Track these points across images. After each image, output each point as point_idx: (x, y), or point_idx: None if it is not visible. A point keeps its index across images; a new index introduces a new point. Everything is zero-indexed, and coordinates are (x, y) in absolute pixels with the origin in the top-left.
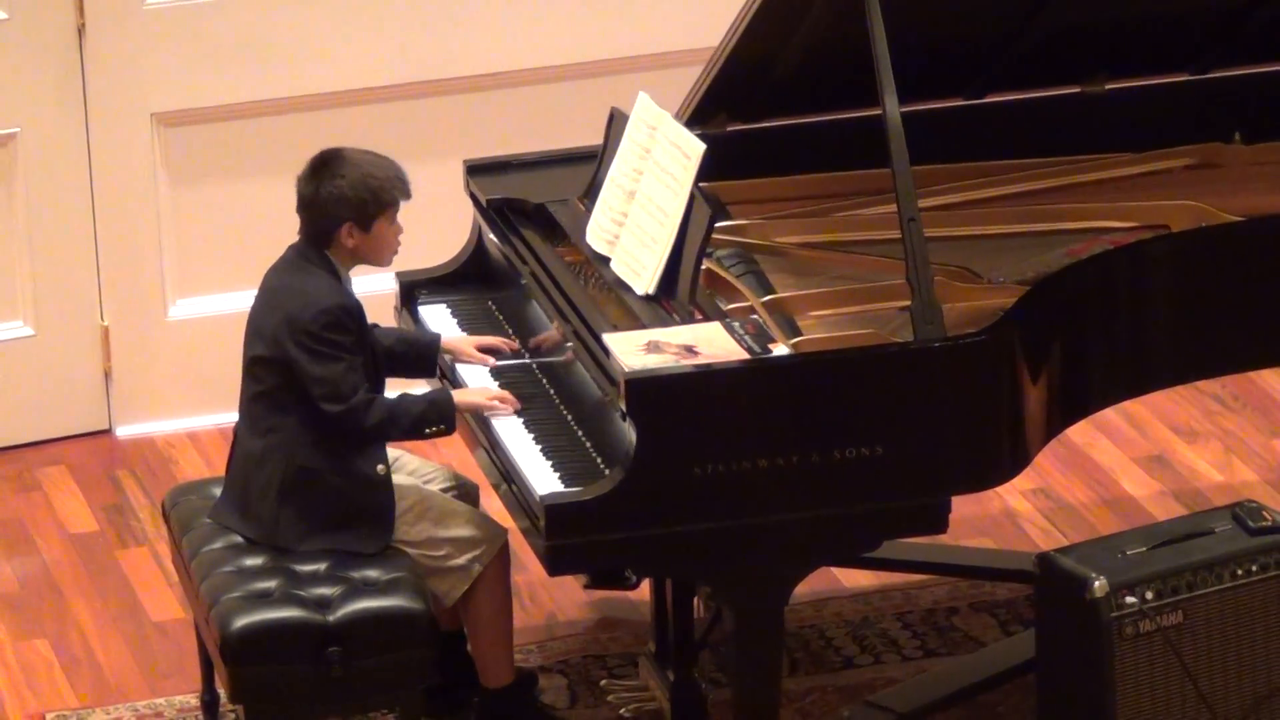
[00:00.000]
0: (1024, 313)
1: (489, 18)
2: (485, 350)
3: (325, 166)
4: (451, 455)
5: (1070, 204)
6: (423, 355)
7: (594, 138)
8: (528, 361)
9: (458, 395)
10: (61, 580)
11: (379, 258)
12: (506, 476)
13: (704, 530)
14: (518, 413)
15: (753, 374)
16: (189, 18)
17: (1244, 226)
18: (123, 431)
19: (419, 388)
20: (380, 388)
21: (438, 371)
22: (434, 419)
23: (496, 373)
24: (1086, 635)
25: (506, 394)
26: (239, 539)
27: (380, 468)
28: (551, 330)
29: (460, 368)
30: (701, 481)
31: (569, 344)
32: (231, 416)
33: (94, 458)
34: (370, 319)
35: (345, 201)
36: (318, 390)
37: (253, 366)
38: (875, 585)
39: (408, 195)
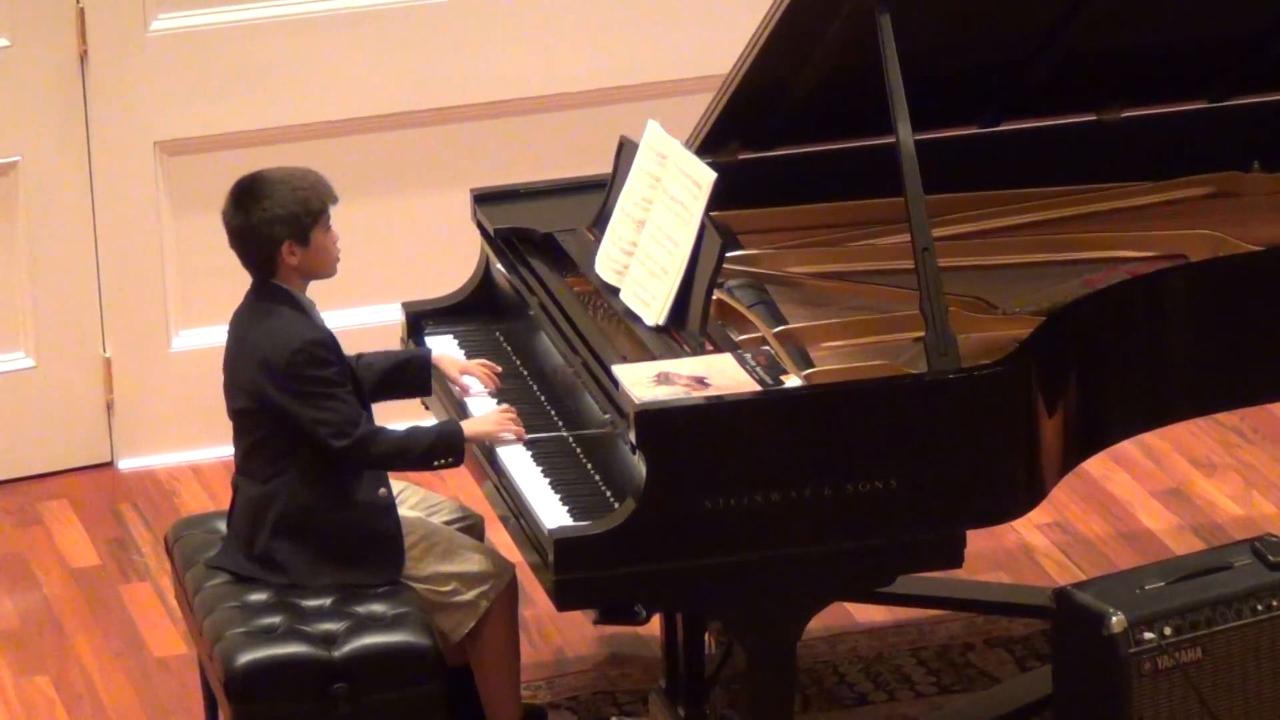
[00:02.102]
0: (1040, 344)
1: (497, 45)
2: (469, 377)
3: (247, 193)
4: (458, 487)
5: (1087, 233)
6: (416, 372)
7: (603, 166)
8: (563, 434)
9: (467, 426)
10: (63, 616)
11: (325, 268)
12: (514, 510)
13: (715, 565)
14: (526, 445)
15: (764, 406)
16: (193, 45)
17: (1263, 256)
18: (125, 464)
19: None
20: (367, 412)
21: (432, 389)
22: (443, 451)
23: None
24: (1104, 671)
25: (514, 416)
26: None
27: (382, 491)
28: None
29: (468, 400)
30: (713, 515)
31: (607, 416)
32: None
33: (96, 491)
34: (375, 350)
35: (278, 220)
36: (319, 431)
37: (239, 418)
38: (889, 621)
39: (335, 198)
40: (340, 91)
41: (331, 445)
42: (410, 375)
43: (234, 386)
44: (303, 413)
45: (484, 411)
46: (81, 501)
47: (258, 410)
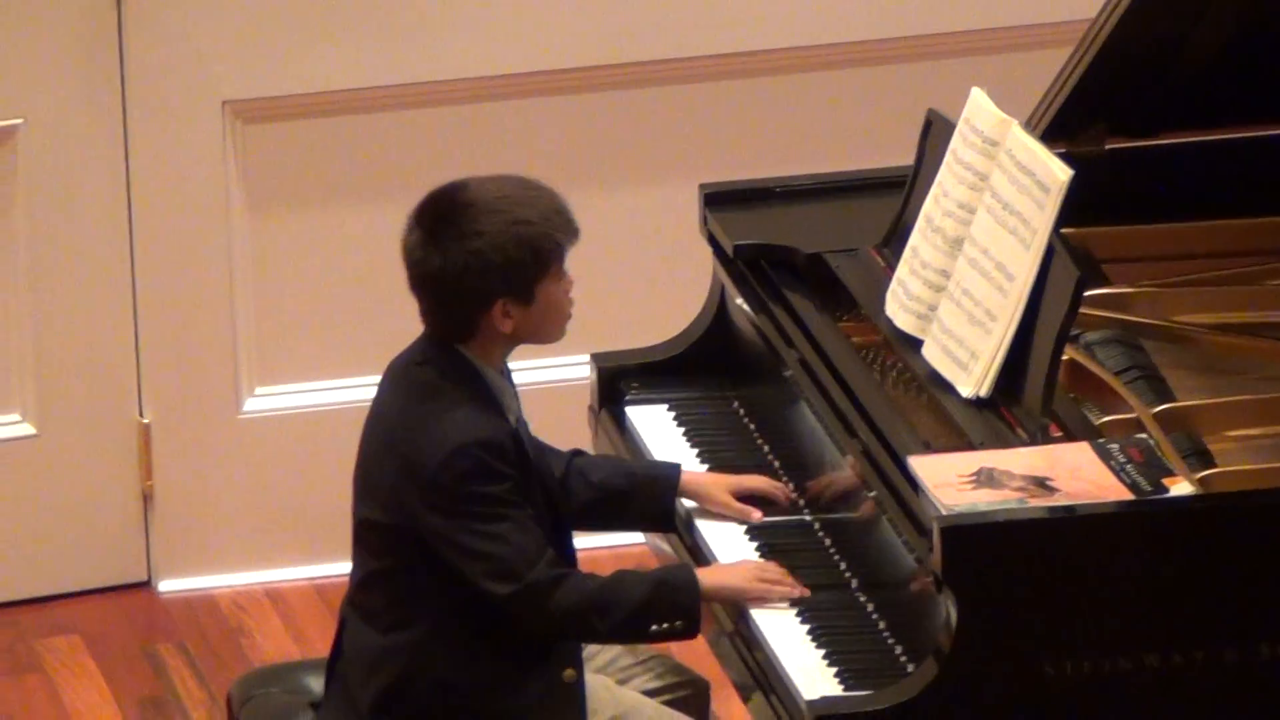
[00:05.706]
0: None
1: None
2: (746, 499)
3: (448, 222)
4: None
5: None
6: (653, 498)
7: (900, 156)
8: (806, 519)
9: (706, 576)
10: None
11: (549, 331)
12: (758, 674)
13: None
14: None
15: (1138, 523)
16: None
17: None
18: (168, 585)
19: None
20: (565, 546)
21: (675, 520)
22: (664, 611)
23: (754, 531)
24: None
25: (783, 575)
26: None
27: (569, 673)
28: (845, 470)
29: (703, 524)
30: (1056, 685)
31: (871, 493)
32: (336, 567)
33: (123, 624)
34: (596, 455)
35: (491, 270)
36: (475, 569)
37: (365, 532)
38: None
39: (575, 233)
40: (497, 36)
41: (490, 588)
42: (643, 499)
43: (365, 486)
44: (456, 540)
45: (731, 554)
46: (102, 641)
47: (392, 528)
